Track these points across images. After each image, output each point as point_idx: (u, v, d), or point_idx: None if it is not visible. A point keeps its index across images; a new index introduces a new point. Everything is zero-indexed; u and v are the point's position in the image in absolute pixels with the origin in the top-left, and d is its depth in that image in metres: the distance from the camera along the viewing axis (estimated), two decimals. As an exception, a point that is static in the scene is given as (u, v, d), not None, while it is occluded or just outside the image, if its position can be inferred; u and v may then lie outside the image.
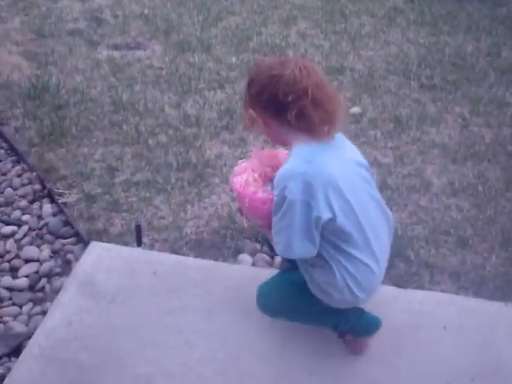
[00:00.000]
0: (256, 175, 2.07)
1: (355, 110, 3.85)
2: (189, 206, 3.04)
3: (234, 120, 3.72)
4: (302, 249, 1.89)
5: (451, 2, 5.90)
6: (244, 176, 2.06)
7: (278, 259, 2.73)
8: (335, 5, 5.67)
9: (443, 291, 2.61)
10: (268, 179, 2.06)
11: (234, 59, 4.51)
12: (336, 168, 1.86)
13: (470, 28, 5.30)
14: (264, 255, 2.77)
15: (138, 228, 2.79)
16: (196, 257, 2.76)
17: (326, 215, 1.82)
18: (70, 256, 2.78)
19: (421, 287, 2.63)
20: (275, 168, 1.99)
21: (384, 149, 3.53)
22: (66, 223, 2.94)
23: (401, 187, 3.20)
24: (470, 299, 2.60)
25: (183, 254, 2.76)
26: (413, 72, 4.41)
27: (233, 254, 2.78)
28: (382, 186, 3.13)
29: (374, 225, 1.98)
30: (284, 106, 1.80)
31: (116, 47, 4.71)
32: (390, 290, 2.55)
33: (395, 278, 2.64)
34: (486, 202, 3.13)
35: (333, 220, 1.84)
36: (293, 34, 5.03)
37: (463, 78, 4.38)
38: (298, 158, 1.86)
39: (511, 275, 2.71)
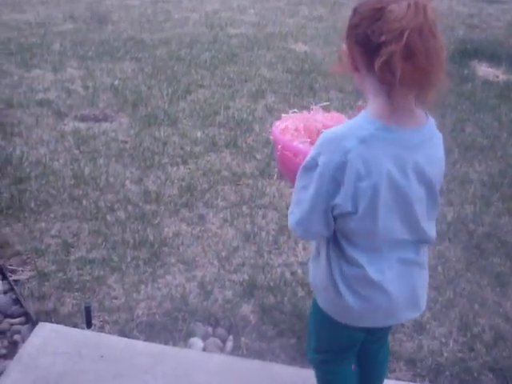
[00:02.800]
0: (301, 125, 1.80)
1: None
2: (142, 286, 2.98)
3: (194, 197, 3.70)
4: (317, 227, 1.64)
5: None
6: (287, 122, 1.81)
7: (229, 344, 2.67)
8: (305, 79, 5.78)
9: (398, 379, 2.55)
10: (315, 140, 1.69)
11: (199, 134, 4.52)
12: (388, 167, 1.55)
13: (435, 103, 5.37)
14: (216, 339, 2.71)
15: (88, 309, 2.72)
16: (146, 340, 2.69)
17: (346, 207, 1.57)
18: (16, 337, 2.70)
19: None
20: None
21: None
22: (16, 301, 2.87)
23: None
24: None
25: (133, 337, 2.69)
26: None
27: (184, 338, 2.71)
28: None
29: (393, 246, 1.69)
30: (375, 47, 1.44)
31: (83, 119, 4.73)
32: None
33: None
34: (445, 283, 3.10)
35: (351, 214, 1.58)
36: (260, 108, 5.08)
37: (426, 155, 4.41)
38: (356, 129, 1.53)
39: (469, 362, 2.66)
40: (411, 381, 2.57)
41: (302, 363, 2.57)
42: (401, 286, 1.72)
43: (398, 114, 1.52)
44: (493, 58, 6.79)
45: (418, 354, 2.69)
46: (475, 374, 2.61)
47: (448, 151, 4.34)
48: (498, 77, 6.34)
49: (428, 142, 1.61)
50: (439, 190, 1.70)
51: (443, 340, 2.77)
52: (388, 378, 2.54)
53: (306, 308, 2.84)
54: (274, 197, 3.76)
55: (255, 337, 2.72)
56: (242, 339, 2.71)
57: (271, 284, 3.00)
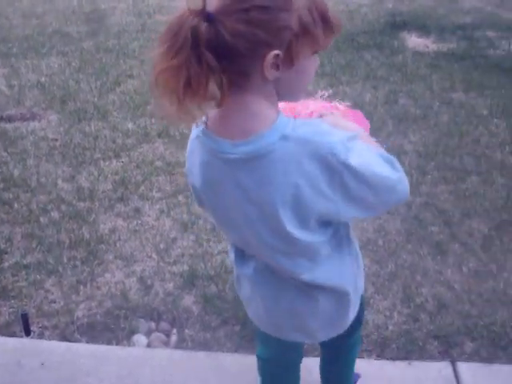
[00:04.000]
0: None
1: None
2: (81, 287, 2.90)
3: (128, 190, 3.62)
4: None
5: (350, 51, 6.04)
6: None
7: (174, 338, 2.63)
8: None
9: (345, 356, 2.55)
10: None
11: (130, 125, 4.43)
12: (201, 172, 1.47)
13: (368, 76, 5.41)
14: (160, 334, 2.66)
15: (25, 317, 2.64)
16: (88, 342, 2.63)
17: None
18: (-48, 352, 2.61)
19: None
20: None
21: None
22: (-50, 315, 2.77)
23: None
24: (373, 362, 2.56)
25: (75, 340, 2.63)
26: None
27: (127, 336, 2.66)
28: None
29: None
30: None
31: (9, 119, 4.57)
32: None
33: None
34: (386, 256, 3.12)
35: None
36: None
37: (361, 129, 4.42)
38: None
39: (414, 333, 2.68)
40: (358, 357, 2.56)
41: (248, 350, 2.55)
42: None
43: (216, 119, 1.35)
44: (422, 29, 6.86)
45: (363, 330, 2.69)
46: (420, 344, 2.63)
47: (382, 124, 4.44)
48: (428, 47, 6.40)
49: (256, 160, 1.30)
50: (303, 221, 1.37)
51: (387, 313, 2.78)
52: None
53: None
54: (209, 184, 3.69)
55: (199, 328, 2.68)
56: (186, 331, 2.67)
57: (212, 273, 2.96)
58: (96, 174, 3.80)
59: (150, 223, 3.35)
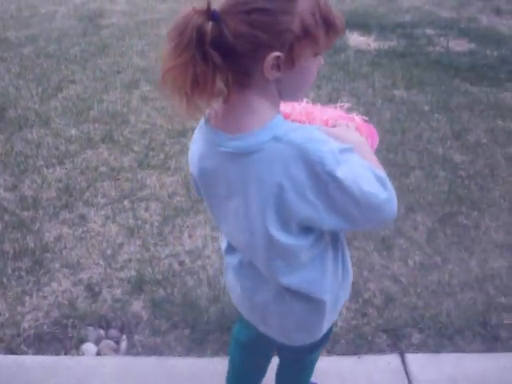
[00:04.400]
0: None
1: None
2: (27, 298, 2.84)
3: (73, 197, 3.56)
4: None
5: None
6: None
7: (123, 344, 2.60)
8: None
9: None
10: None
11: (73, 131, 4.35)
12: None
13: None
14: (109, 341, 2.63)
15: (-32, 330, 2.58)
16: (36, 354, 2.57)
17: None
18: None
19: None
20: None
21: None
22: None
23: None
24: (323, 358, 2.57)
25: (21, 353, 2.56)
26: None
27: (76, 345, 2.61)
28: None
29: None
30: None
31: None
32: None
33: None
34: (333, 253, 3.14)
35: None
36: (135, 98, 4.96)
37: (306, 128, 4.44)
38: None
39: (363, 328, 2.71)
40: (308, 354, 2.59)
41: (199, 353, 2.55)
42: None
43: (218, 112, 1.39)
44: (363, 28, 6.97)
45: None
46: (369, 338, 2.67)
47: (326, 123, 4.48)
48: (369, 45, 6.50)
49: (245, 157, 1.33)
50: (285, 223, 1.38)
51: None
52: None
53: (197, 297, 2.81)
54: (154, 188, 3.68)
55: (149, 333, 2.66)
56: (136, 337, 2.64)
57: (160, 277, 2.94)
58: (39, 181, 3.73)
59: (96, 230, 3.30)
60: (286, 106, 1.59)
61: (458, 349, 2.66)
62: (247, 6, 1.21)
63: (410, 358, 2.57)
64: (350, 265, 1.69)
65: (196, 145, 1.46)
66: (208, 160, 1.41)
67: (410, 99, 5.04)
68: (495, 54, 6.11)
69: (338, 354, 2.60)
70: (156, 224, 3.33)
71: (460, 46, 6.53)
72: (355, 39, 6.62)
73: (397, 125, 4.54)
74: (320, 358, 2.54)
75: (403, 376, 2.49)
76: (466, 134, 4.45)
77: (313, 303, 1.59)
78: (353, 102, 4.88)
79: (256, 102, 1.31)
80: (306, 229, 1.40)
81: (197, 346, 2.59)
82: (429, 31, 6.95)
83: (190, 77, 1.22)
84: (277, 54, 1.23)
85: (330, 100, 4.91)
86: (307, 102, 1.68)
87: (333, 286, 1.59)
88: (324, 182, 1.27)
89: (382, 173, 1.39)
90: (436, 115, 4.74)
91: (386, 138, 4.28)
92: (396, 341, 2.67)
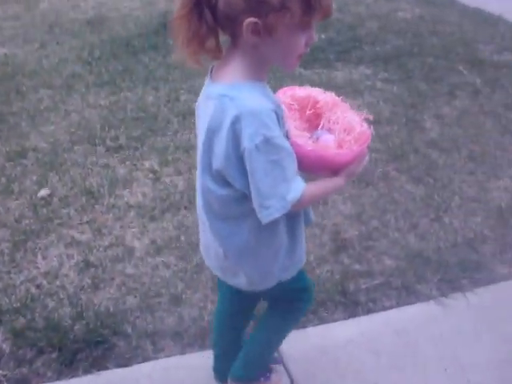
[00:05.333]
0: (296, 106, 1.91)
1: (43, 192, 3.66)
2: None
3: None
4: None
5: (127, 57, 5.99)
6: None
7: None
8: (10, 83, 5.41)
9: (169, 356, 2.59)
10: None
11: None
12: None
13: (147, 79, 5.43)
14: None
15: None
16: None
17: None
18: None
19: (146, 359, 2.57)
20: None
21: (80, 225, 3.40)
22: None
23: (104, 261, 3.11)
24: (196, 354, 2.61)
25: None
26: (97, 137, 4.33)
27: None
28: (85, 266, 3.05)
29: None
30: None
31: None
32: (117, 373, 2.48)
33: (119, 358, 2.57)
34: (190, 251, 3.17)
35: None
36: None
37: (148, 131, 4.45)
38: None
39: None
40: (181, 353, 2.61)
41: (71, 373, 2.50)
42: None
43: (216, 67, 1.66)
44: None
45: (181, 325, 2.74)
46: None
47: (167, 122, 4.50)
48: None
49: (208, 100, 1.61)
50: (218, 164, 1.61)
51: (201, 305, 2.85)
52: (158, 358, 2.57)
53: (60, 317, 2.75)
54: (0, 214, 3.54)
55: (14, 365, 2.55)
56: (1, 373, 2.52)
57: (18, 305, 2.82)
58: None
59: None
60: (319, 92, 1.93)
61: (322, 321, 2.78)
62: None
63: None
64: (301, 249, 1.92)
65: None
66: (200, 103, 1.69)
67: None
68: (323, 36, 6.36)
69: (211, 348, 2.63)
70: (6, 251, 3.19)
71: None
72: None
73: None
74: (192, 355, 2.58)
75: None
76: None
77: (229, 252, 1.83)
78: (192, 100, 4.91)
79: (238, 61, 1.56)
80: (226, 181, 1.62)
81: (66, 367, 2.52)
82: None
83: (185, 29, 1.49)
84: (253, 19, 1.45)
85: (169, 101, 4.94)
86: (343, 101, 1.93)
87: (247, 245, 1.79)
88: (242, 148, 1.51)
89: (291, 194, 1.58)
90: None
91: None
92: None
